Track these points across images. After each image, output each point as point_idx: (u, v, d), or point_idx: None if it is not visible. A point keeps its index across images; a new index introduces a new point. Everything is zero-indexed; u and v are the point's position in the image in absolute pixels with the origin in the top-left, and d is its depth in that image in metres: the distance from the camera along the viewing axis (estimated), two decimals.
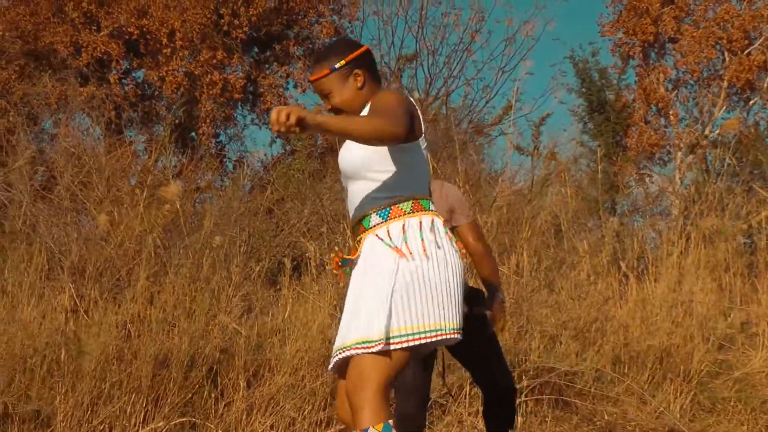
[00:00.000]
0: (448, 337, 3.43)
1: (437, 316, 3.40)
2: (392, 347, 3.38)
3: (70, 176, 8.62)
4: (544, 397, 7.53)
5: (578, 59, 18.42)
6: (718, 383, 8.13)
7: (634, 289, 9.04)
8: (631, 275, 9.33)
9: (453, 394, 7.25)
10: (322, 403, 6.98)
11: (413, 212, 3.52)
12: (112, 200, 8.30)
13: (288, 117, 3.23)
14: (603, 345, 8.08)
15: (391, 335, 3.39)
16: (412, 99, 3.57)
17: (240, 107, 17.03)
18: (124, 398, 6.31)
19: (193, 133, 15.34)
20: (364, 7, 17.98)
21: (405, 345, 3.39)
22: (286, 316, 7.89)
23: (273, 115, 3.24)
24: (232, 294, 7.75)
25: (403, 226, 3.49)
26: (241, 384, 6.83)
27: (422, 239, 3.45)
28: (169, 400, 6.48)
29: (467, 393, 7.29)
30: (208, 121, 15.15)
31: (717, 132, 18.20)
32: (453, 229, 4.55)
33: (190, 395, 6.63)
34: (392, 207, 3.52)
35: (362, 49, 3.65)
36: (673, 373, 8.01)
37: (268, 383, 6.95)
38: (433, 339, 3.40)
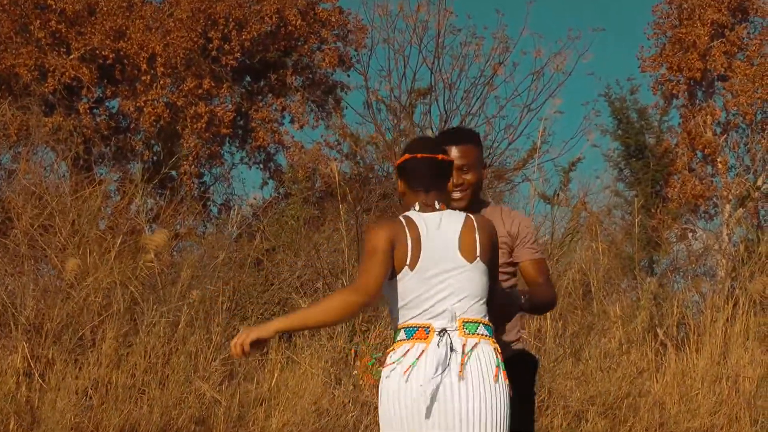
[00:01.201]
0: None
1: None
2: None
3: (29, 218, 8.64)
4: None
5: (615, 97, 18.51)
6: None
7: (673, 361, 9.02)
8: (669, 344, 9.32)
9: None
10: None
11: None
12: (77, 247, 8.33)
13: (242, 348, 3.83)
14: (635, 424, 8.05)
15: None
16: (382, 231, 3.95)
17: (228, 144, 17.18)
18: None
19: (174, 172, 15.43)
20: (372, 34, 18.15)
21: None
22: (273, 383, 7.88)
23: (231, 350, 3.88)
24: (212, 357, 7.74)
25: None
26: None
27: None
28: None
29: None
30: (190, 158, 15.26)
31: None
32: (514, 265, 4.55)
33: None
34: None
35: None
36: None
37: None
38: None
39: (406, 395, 3.84)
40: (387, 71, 18.54)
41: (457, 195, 4.29)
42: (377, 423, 8.00)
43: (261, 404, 7.53)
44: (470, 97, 18.21)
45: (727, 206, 18.92)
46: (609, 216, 16.42)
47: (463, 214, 3.98)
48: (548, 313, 8.94)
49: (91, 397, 6.84)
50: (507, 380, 3.90)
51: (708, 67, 19.21)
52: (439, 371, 3.81)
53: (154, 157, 15.67)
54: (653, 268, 14.01)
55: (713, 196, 19.35)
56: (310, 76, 17.18)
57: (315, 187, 15.83)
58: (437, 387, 3.81)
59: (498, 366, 3.88)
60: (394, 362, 3.86)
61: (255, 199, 15.73)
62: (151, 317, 7.64)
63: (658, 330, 9.65)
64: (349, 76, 18.02)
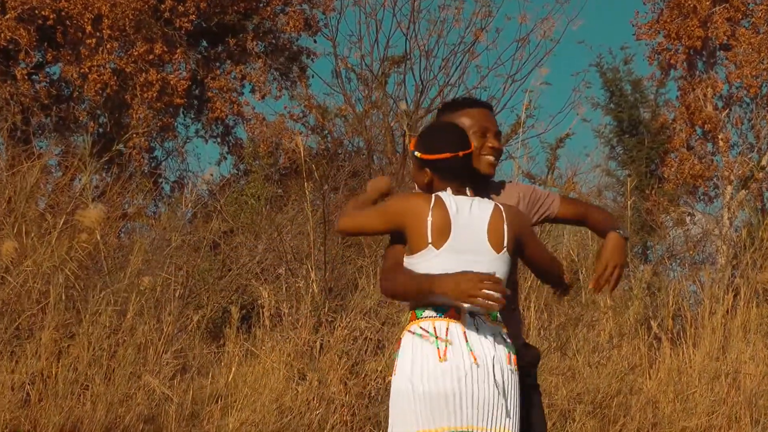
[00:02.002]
0: None
1: None
2: None
3: None
4: None
5: (607, 67, 18.60)
6: None
7: (668, 356, 9.09)
8: (664, 338, 9.39)
9: None
10: None
11: None
12: (13, 227, 8.29)
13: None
14: (626, 424, 8.12)
15: None
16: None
17: (182, 115, 17.12)
18: None
19: (122, 146, 15.35)
20: None
21: None
22: (230, 378, 7.88)
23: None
24: (163, 349, 7.74)
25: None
26: None
27: None
28: None
29: None
30: (140, 131, 15.18)
31: None
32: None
33: None
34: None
35: None
36: None
37: None
38: None
39: (452, 375, 4.07)
40: (358, 37, 18.53)
41: (492, 160, 4.48)
42: (345, 422, 8.04)
43: (216, 401, 7.54)
44: (449, 66, 18.25)
45: (729, 188, 19.04)
46: (599, 197, 16.49)
47: (492, 203, 4.25)
48: (531, 304, 8.98)
49: (28, 393, 6.82)
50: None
51: (709, 35, 19.29)
52: (490, 353, 4.10)
53: (100, 129, 15.60)
54: (647, 255, 14.10)
55: (713, 177, 19.46)
56: (273, 41, 17.13)
57: (278, 163, 15.81)
58: (489, 370, 4.09)
59: (513, 353, 4.17)
60: (429, 334, 4.11)
61: (211, 176, 15.63)
62: (95, 305, 7.61)
63: (652, 322, 9.73)
64: (315, 41, 17.99)
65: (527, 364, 4.51)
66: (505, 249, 4.18)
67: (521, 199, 4.64)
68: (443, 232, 4.14)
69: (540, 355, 4.82)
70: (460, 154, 4.24)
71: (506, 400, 4.15)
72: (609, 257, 4.50)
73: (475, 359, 4.09)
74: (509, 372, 4.17)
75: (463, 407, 4.09)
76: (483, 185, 4.47)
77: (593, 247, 10.14)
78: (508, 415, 4.15)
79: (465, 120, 4.44)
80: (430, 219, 4.14)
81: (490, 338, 4.15)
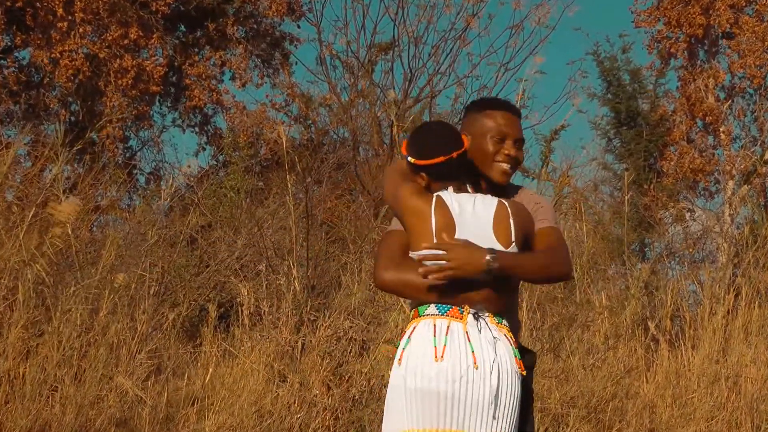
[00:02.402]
0: None
1: None
2: None
3: None
4: None
5: (604, 56, 18.61)
6: None
7: (666, 359, 9.11)
8: (661, 339, 9.41)
9: None
10: None
11: None
12: None
13: None
14: (622, 429, 8.14)
15: None
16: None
17: (158, 103, 17.09)
18: None
19: (95, 136, 15.33)
20: None
21: None
22: (207, 380, 7.88)
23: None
24: (137, 349, 7.73)
25: None
26: None
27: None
28: None
29: None
30: (114, 120, 15.15)
31: None
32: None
33: None
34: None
35: None
36: None
37: None
38: None
39: (447, 376, 4.13)
40: (343, 22, 18.51)
41: (506, 168, 4.45)
42: (327, 427, 8.04)
43: (192, 404, 7.53)
44: (439, 54, 18.24)
45: (730, 182, 19.09)
46: (596, 192, 16.54)
47: (495, 199, 4.30)
48: (523, 303, 8.99)
49: None
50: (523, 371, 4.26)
51: (711, 22, 19.33)
52: (490, 357, 4.16)
53: (72, 118, 15.56)
54: (645, 253, 14.13)
55: (714, 171, 19.52)
56: (254, 26, 17.11)
57: (259, 154, 15.80)
58: (490, 371, 4.15)
59: (518, 358, 4.24)
60: (424, 333, 4.18)
61: (189, 167, 15.67)
62: (66, 302, 7.60)
63: (650, 323, 9.74)
64: (299, 27, 18.00)
65: (526, 368, 4.60)
66: (513, 243, 4.23)
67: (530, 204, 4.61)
68: (448, 232, 4.19)
69: (536, 359, 4.86)
70: (454, 155, 4.28)
71: (503, 406, 4.20)
72: (459, 245, 4.28)
73: (475, 362, 4.14)
74: (511, 376, 4.21)
75: (454, 410, 4.15)
76: (497, 191, 4.46)
77: (589, 245, 10.16)
78: (503, 420, 4.20)
79: (487, 122, 4.45)
80: (433, 220, 4.21)
81: (492, 340, 4.20)
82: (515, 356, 4.24)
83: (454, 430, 4.15)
